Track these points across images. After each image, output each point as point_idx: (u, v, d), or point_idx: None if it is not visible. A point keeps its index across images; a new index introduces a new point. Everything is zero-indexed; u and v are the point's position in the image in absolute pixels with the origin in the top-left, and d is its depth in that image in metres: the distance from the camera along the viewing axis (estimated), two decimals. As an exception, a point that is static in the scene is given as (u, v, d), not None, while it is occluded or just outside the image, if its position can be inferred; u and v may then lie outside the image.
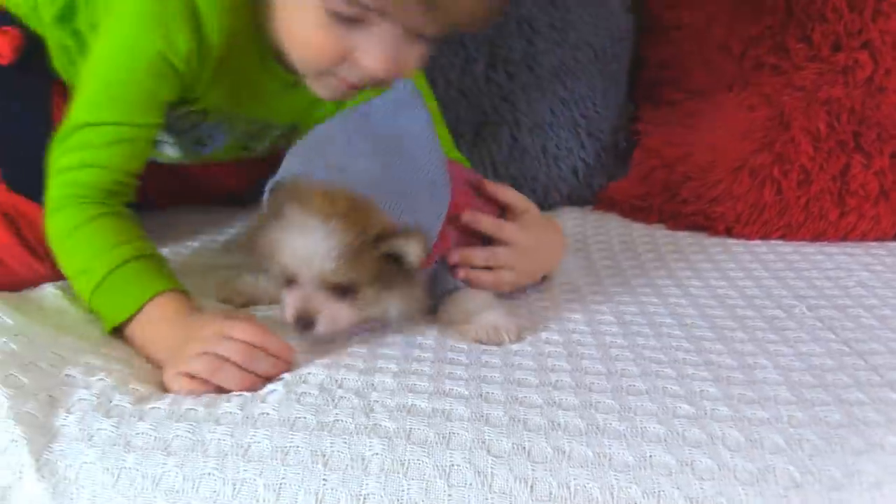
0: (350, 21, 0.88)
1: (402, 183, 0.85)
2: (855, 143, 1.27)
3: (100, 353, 0.83)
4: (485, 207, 1.01)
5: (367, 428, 0.73)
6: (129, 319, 0.87)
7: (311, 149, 0.89)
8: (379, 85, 0.94)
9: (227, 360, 0.79)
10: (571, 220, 1.33)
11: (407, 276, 0.84)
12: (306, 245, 0.81)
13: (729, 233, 1.28)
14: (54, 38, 1.05)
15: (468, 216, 0.97)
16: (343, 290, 0.83)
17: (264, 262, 0.86)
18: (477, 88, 1.37)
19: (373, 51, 0.89)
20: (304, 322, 0.83)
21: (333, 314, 0.83)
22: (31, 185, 0.96)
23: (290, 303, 0.84)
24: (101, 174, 0.93)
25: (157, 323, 0.86)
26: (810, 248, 1.24)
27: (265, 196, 0.87)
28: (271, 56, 0.98)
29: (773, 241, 1.27)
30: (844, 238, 1.27)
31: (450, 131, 1.17)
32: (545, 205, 1.36)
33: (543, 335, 0.91)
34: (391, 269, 0.83)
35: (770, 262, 1.18)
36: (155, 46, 0.91)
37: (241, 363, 0.79)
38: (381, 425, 0.73)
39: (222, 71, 0.97)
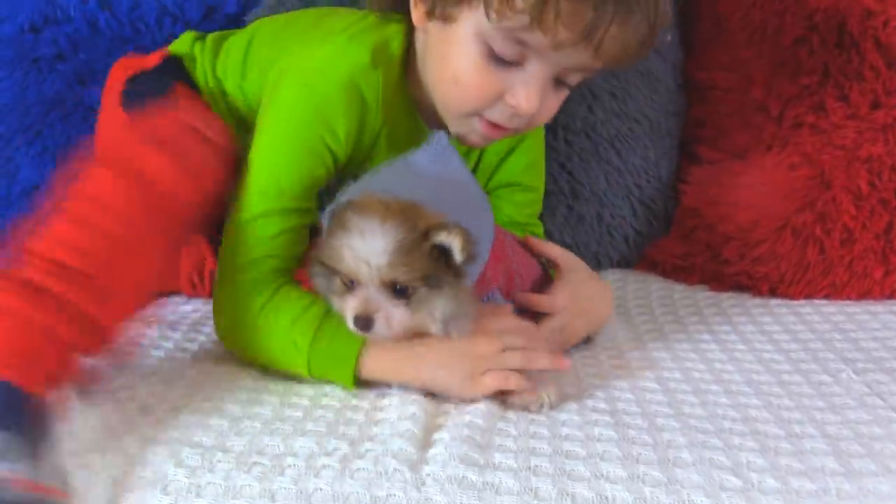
0: (509, 63, 0.92)
1: (448, 203, 0.89)
2: (897, 200, 1.27)
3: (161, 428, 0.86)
4: (531, 262, 1.03)
5: (419, 502, 0.75)
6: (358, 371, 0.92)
7: (362, 182, 0.94)
8: (518, 128, 0.98)
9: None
10: (613, 281, 1.34)
11: (455, 277, 0.88)
12: (364, 245, 0.86)
13: (773, 293, 1.29)
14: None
15: (521, 297, 1.00)
16: (399, 292, 0.87)
17: (330, 275, 0.90)
18: None
19: (524, 90, 0.93)
20: (363, 322, 0.87)
21: (389, 313, 0.87)
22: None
23: (350, 304, 0.88)
24: (277, 262, 0.97)
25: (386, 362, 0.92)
26: (856, 308, 1.24)
27: (325, 219, 0.91)
28: (416, 110, 1.03)
29: (817, 301, 1.27)
30: (890, 296, 1.27)
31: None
32: (592, 268, 1.38)
33: (590, 403, 0.93)
34: (441, 269, 0.87)
35: (815, 324, 1.18)
36: (318, 134, 0.97)
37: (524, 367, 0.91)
38: (432, 499, 0.75)
39: (380, 139, 1.02)
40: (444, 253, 0.87)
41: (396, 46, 1.02)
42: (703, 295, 1.30)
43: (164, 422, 0.87)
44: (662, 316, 1.21)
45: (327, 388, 0.94)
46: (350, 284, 0.89)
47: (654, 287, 1.33)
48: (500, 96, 0.94)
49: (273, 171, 0.97)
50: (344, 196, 0.92)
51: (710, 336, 1.13)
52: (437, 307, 0.89)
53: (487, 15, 0.89)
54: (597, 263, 1.41)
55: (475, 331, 0.91)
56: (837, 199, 1.28)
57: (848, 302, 1.27)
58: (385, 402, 0.91)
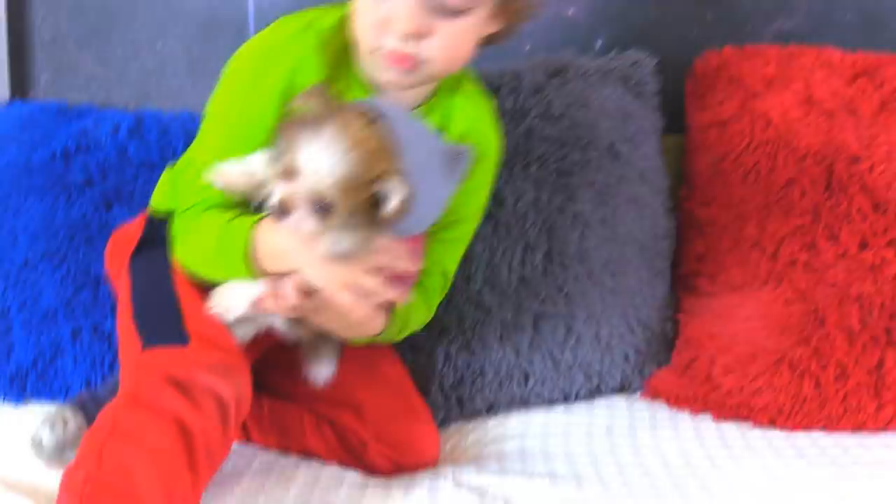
0: None
1: (424, 164, 0.99)
2: (887, 337, 1.34)
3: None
4: None
5: None
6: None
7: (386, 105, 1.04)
8: (418, 54, 1.07)
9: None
10: (620, 410, 1.39)
11: (376, 224, 0.97)
12: (321, 157, 0.94)
13: (772, 423, 1.35)
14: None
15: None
16: (321, 208, 0.95)
17: (280, 146, 0.97)
18: (536, 278, 1.44)
19: (400, 10, 1.04)
20: (280, 209, 0.97)
21: (302, 218, 0.96)
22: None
23: (279, 192, 0.97)
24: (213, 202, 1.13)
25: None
26: (850, 441, 1.30)
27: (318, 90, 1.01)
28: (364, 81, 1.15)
29: (814, 433, 1.33)
30: (884, 428, 1.33)
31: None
32: (597, 391, 1.45)
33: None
34: (369, 214, 0.96)
35: (813, 457, 1.24)
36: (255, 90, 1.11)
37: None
38: None
39: None
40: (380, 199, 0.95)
41: (331, 17, 1.14)
42: (706, 425, 1.35)
43: None
44: (667, 443, 1.27)
45: None
46: (293, 174, 0.96)
47: (660, 416, 1.38)
48: (385, 23, 1.06)
49: (213, 128, 1.14)
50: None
51: (718, 475, 1.18)
52: (339, 241, 0.97)
53: None
54: (599, 382, 1.45)
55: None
56: (831, 336, 1.35)
57: (844, 434, 1.33)
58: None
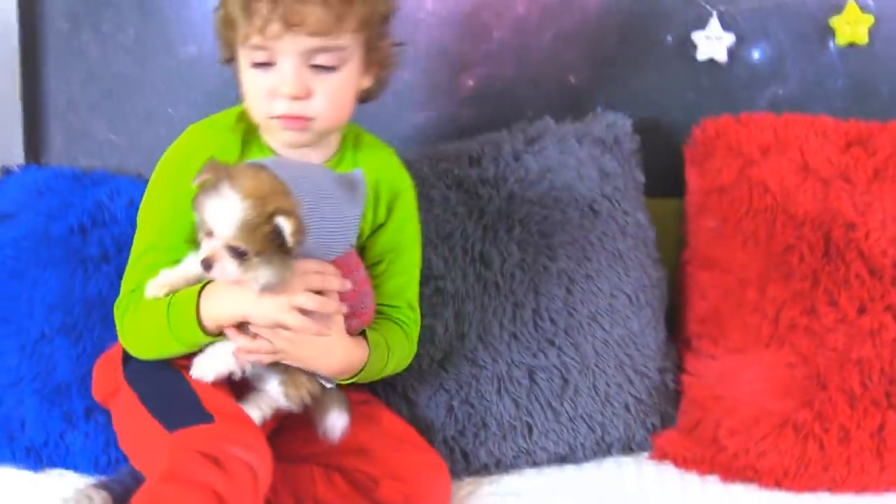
0: (265, 65, 1.23)
1: (317, 196, 1.14)
2: (888, 401, 1.40)
3: None
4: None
5: None
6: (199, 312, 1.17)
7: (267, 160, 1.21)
8: (304, 114, 1.23)
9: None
10: (630, 474, 1.43)
11: (285, 252, 1.11)
12: (221, 211, 1.10)
13: (778, 485, 1.39)
14: None
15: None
16: (237, 253, 1.11)
17: (197, 215, 1.15)
18: (527, 332, 1.50)
19: (284, 75, 1.22)
20: (206, 264, 1.13)
21: (224, 266, 1.12)
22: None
23: (203, 247, 1.14)
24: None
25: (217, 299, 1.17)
26: (855, 502, 1.34)
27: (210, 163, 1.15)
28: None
29: (820, 494, 1.38)
30: (887, 489, 1.38)
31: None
32: (602, 442, 1.49)
33: None
34: (275, 244, 1.10)
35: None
36: (178, 187, 1.24)
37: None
38: None
39: None
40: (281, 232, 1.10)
41: (232, 112, 1.33)
42: (714, 487, 1.40)
43: None
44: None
45: None
46: (210, 233, 1.12)
47: (668, 477, 1.42)
48: (272, 92, 1.23)
49: (148, 220, 1.29)
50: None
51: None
52: (261, 275, 1.12)
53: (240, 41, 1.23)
54: (603, 434, 1.48)
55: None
56: (833, 400, 1.40)
57: (848, 495, 1.37)
58: None
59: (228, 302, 1.18)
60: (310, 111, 1.24)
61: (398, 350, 1.33)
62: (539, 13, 1.74)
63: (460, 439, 1.45)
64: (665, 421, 1.53)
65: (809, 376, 1.42)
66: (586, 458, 1.49)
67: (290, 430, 1.31)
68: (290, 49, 1.21)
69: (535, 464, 1.47)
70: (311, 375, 1.25)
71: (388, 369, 1.33)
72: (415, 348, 1.38)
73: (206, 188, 1.13)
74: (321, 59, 1.23)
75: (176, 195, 1.25)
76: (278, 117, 1.24)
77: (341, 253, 1.21)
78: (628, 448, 1.51)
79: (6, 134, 1.76)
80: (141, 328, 1.25)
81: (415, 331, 1.38)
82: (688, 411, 1.50)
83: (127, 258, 1.46)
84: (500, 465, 1.46)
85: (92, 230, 1.50)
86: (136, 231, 1.31)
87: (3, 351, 1.44)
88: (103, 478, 1.30)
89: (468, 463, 1.45)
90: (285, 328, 1.17)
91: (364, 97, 1.34)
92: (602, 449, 1.50)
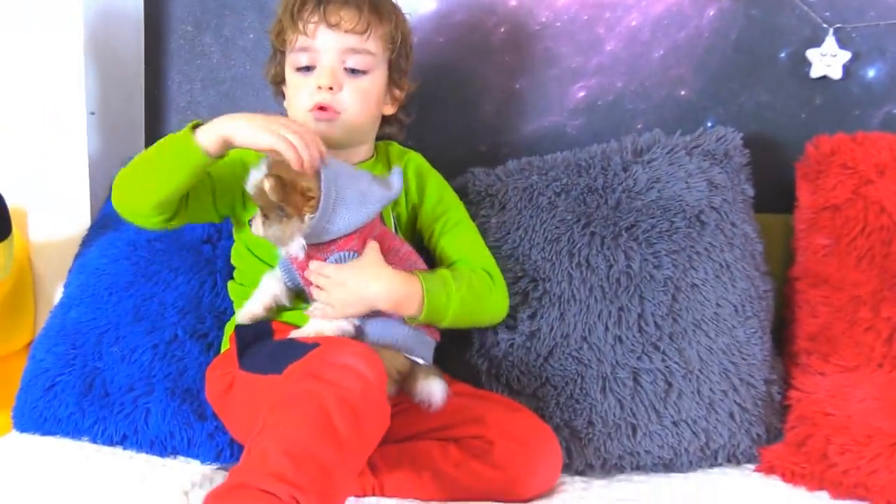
0: (307, 69, 1.45)
1: (346, 185, 1.30)
2: None
3: None
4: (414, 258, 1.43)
5: None
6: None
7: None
8: (330, 104, 1.42)
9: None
10: (737, 485, 1.43)
11: (300, 219, 1.29)
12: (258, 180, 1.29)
13: (891, 504, 1.37)
14: None
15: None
16: (266, 213, 1.30)
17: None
18: (631, 335, 1.52)
19: (321, 71, 1.43)
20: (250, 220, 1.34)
21: (255, 219, 1.32)
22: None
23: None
24: None
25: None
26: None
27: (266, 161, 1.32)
28: None
29: (935, 516, 1.35)
30: None
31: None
32: (707, 448, 1.49)
33: None
34: (290, 214, 1.29)
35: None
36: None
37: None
38: None
39: None
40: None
41: None
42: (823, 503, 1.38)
43: None
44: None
45: None
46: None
47: (775, 492, 1.41)
48: (314, 87, 1.43)
49: None
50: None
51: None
52: (274, 230, 1.30)
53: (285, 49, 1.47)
54: (707, 440, 1.48)
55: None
56: (949, 422, 1.37)
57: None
58: None
59: (222, 121, 1.32)
60: (339, 104, 1.43)
61: (465, 284, 1.41)
62: (651, 26, 1.76)
63: (566, 433, 1.47)
64: (770, 433, 1.53)
65: (924, 398, 1.40)
66: (691, 466, 1.49)
67: (402, 414, 1.34)
68: (328, 45, 1.43)
69: (638, 467, 1.48)
70: (396, 353, 1.33)
71: (467, 305, 1.41)
72: (504, 295, 1.49)
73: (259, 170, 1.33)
74: (353, 62, 1.44)
75: (231, 162, 1.41)
76: (312, 109, 1.43)
77: (361, 224, 1.34)
78: (734, 457, 1.51)
79: (130, 132, 1.84)
80: (132, 164, 1.37)
81: (495, 268, 1.49)
82: (796, 426, 1.49)
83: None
84: (606, 466, 1.48)
85: (218, 242, 1.58)
86: None
87: (136, 347, 1.49)
88: (227, 465, 1.34)
89: (572, 460, 1.46)
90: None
91: (388, 129, 1.56)
92: (707, 456, 1.50)
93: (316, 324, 1.34)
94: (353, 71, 1.44)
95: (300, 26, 1.44)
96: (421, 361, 1.36)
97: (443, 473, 1.32)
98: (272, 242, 1.34)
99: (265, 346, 1.36)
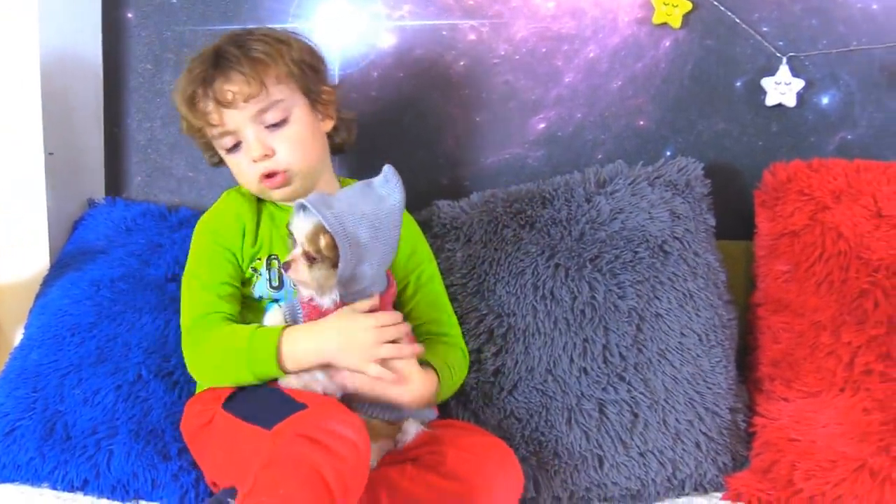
0: (235, 148, 1.45)
1: (362, 235, 1.29)
2: (967, 451, 1.38)
3: None
4: None
5: None
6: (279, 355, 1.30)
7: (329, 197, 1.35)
8: (277, 169, 1.44)
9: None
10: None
11: (330, 271, 1.30)
12: (299, 227, 1.31)
13: (856, 530, 1.38)
14: None
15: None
16: (309, 259, 1.30)
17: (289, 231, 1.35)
18: (596, 367, 1.53)
19: (248, 148, 1.44)
20: (286, 265, 1.32)
21: (298, 266, 1.31)
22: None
23: (289, 256, 1.33)
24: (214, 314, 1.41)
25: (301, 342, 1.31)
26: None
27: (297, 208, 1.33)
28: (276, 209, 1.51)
29: (898, 541, 1.36)
30: (965, 536, 1.36)
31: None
32: (674, 478, 1.49)
33: None
34: (326, 265, 1.30)
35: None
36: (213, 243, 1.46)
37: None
38: None
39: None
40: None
41: None
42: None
43: None
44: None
45: None
46: (293, 244, 1.33)
47: (743, 520, 1.41)
48: (248, 162, 1.44)
49: (195, 276, 1.43)
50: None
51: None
52: (318, 276, 1.30)
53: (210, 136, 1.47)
54: (674, 470, 1.48)
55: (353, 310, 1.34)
56: (911, 445, 1.39)
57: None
58: None
59: (312, 346, 1.31)
60: (280, 164, 1.44)
61: (458, 367, 1.47)
62: (609, 58, 1.78)
63: (533, 464, 1.47)
64: (736, 461, 1.53)
65: (886, 421, 1.42)
66: (659, 496, 1.49)
67: None
68: (238, 122, 1.43)
69: (606, 498, 1.48)
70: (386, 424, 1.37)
71: (454, 387, 1.46)
72: (467, 355, 1.51)
73: (296, 213, 1.33)
74: (270, 117, 1.43)
75: (214, 245, 1.44)
76: (260, 181, 1.45)
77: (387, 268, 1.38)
78: (701, 487, 1.51)
79: (90, 169, 1.83)
80: (216, 356, 1.35)
81: (460, 337, 1.51)
82: (761, 452, 1.50)
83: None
84: (573, 498, 1.48)
85: (177, 279, 1.54)
86: (185, 267, 1.46)
87: (99, 388, 1.47)
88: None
89: (539, 492, 1.46)
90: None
91: (340, 144, 1.56)
92: (674, 486, 1.50)
93: (304, 377, 1.33)
94: (274, 125, 1.44)
95: (206, 118, 1.44)
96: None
97: (399, 489, 1.31)
98: (308, 286, 1.33)
99: (254, 392, 1.34)
